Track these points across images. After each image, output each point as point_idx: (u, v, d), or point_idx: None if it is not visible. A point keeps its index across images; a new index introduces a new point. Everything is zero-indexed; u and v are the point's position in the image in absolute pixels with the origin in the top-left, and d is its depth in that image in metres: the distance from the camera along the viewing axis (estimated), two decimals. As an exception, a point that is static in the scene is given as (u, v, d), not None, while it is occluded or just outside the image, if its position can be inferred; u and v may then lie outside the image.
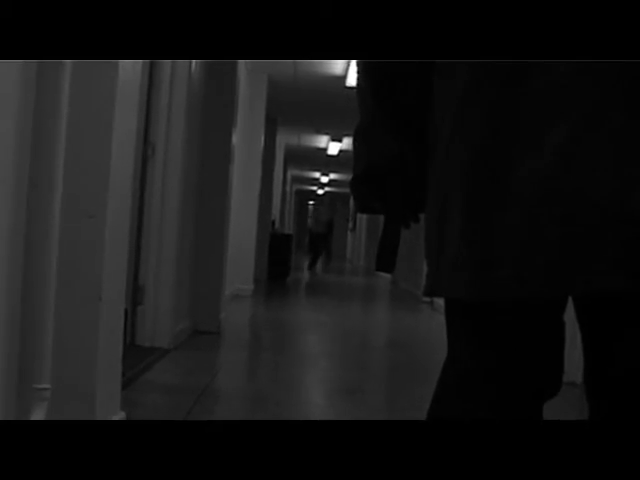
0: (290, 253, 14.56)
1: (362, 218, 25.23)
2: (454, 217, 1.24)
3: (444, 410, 1.33)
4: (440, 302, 7.41)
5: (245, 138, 9.60)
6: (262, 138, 10.50)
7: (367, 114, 1.42)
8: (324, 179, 25.55)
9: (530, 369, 1.29)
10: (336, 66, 9.16)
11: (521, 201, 1.17)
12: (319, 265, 21.72)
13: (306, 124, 14.39)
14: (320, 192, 32.52)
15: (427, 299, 10.03)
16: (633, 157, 1.12)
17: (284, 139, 15.92)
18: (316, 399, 4.27)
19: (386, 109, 1.39)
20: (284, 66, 9.49)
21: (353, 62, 7.99)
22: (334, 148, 15.97)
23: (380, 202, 1.46)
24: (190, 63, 5.43)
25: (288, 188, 23.80)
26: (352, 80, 8.44)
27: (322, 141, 16.18)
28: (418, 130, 1.38)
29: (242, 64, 7.42)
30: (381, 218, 1.54)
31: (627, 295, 1.20)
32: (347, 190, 17.96)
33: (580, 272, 1.14)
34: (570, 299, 1.31)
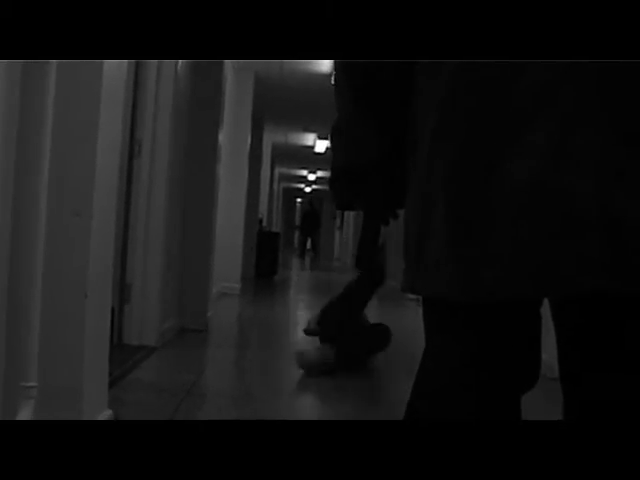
0: (278, 251, 14.55)
1: (349, 216, 25.22)
2: (436, 216, 1.24)
3: (422, 405, 1.34)
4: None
5: (232, 136, 9.58)
6: (249, 136, 10.49)
7: (345, 110, 1.41)
8: (311, 177, 25.54)
9: (508, 363, 1.30)
10: (323, 64, 9.17)
11: (504, 202, 1.17)
12: (307, 261, 21.67)
13: (293, 122, 14.38)
14: (307, 190, 32.54)
15: (414, 296, 10.03)
16: (615, 158, 1.13)
17: (271, 137, 15.91)
18: (303, 397, 4.28)
19: (364, 105, 1.38)
20: (270, 64, 9.48)
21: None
22: (321, 146, 15.96)
23: (358, 199, 1.46)
24: (176, 61, 5.42)
25: (275, 186, 23.78)
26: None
27: (309, 139, 16.17)
28: (397, 127, 1.37)
29: (229, 62, 7.42)
30: None
31: (609, 295, 1.21)
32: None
33: (563, 274, 1.14)
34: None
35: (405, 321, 8.97)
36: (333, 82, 1.43)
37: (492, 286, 1.19)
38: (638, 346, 1.24)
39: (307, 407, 4.16)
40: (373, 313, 10.33)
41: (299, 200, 39.28)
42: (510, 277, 1.17)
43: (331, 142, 1.46)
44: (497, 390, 1.30)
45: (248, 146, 10.49)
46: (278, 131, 15.39)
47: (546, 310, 1.33)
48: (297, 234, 36.31)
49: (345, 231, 28.08)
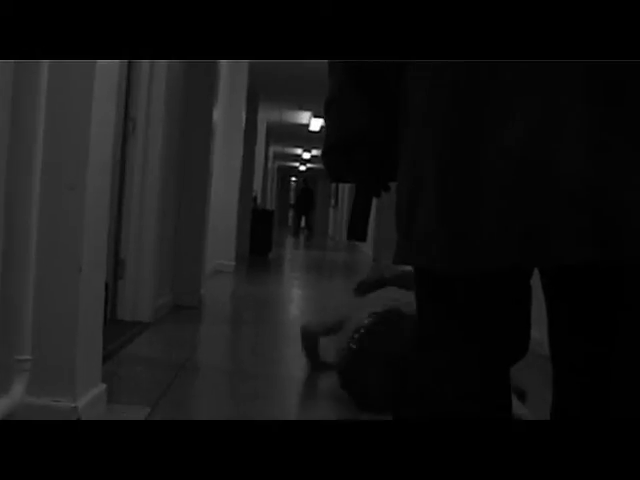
0: (272, 229, 14.56)
1: (344, 195, 25.24)
2: (427, 188, 1.25)
3: (414, 381, 1.36)
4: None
5: (227, 114, 9.57)
6: (244, 114, 10.48)
7: (338, 83, 1.42)
8: (306, 155, 25.52)
9: (498, 334, 1.32)
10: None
11: (492, 173, 1.18)
12: (301, 239, 21.68)
13: (288, 100, 14.36)
14: (302, 168, 32.52)
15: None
16: (602, 131, 1.14)
17: (266, 115, 15.88)
18: (296, 372, 4.30)
19: (357, 77, 1.39)
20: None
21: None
22: (316, 124, 15.95)
23: (351, 172, 1.47)
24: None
25: (270, 164, 23.75)
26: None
27: (304, 117, 16.15)
28: (389, 100, 1.38)
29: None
30: None
31: (593, 266, 1.23)
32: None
33: (551, 244, 1.15)
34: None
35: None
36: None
37: (480, 255, 1.20)
38: (626, 315, 1.26)
39: (300, 381, 4.19)
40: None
41: (293, 179, 39.27)
42: (497, 247, 1.18)
43: (324, 115, 1.47)
44: (487, 360, 1.32)
45: (243, 124, 10.48)
46: (273, 109, 15.36)
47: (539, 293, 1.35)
48: (291, 212, 36.32)
49: (339, 210, 28.10)
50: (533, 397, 3.24)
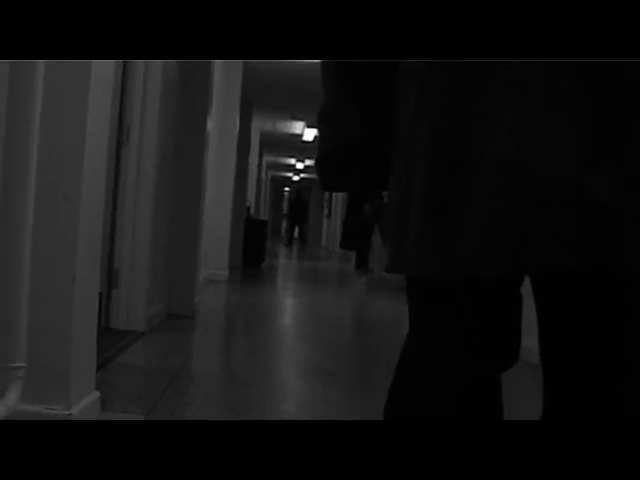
0: (265, 239, 14.57)
1: (337, 205, 25.24)
2: (416, 196, 1.26)
3: (406, 386, 1.37)
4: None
5: (220, 123, 9.59)
6: (237, 123, 10.49)
7: (331, 92, 1.44)
8: (299, 165, 25.53)
9: (490, 342, 1.33)
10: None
11: (480, 181, 1.19)
12: (294, 249, 21.69)
13: (281, 110, 14.38)
14: (295, 178, 32.52)
15: (401, 284, 10.07)
16: (591, 140, 1.15)
17: (259, 125, 15.90)
18: (289, 380, 4.31)
19: (350, 87, 1.41)
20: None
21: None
22: (309, 134, 15.96)
23: (343, 181, 1.49)
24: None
25: (263, 174, 23.77)
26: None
27: (297, 127, 16.17)
28: (382, 109, 1.40)
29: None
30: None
31: (580, 273, 1.25)
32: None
33: (538, 251, 1.16)
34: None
35: (394, 311, 9.02)
36: (321, 64, 1.46)
37: (467, 263, 1.21)
38: (611, 323, 1.28)
39: (293, 389, 4.20)
40: (360, 301, 10.40)
41: (287, 189, 39.25)
42: (485, 254, 1.19)
43: (317, 124, 1.48)
44: (478, 368, 1.34)
45: (236, 133, 10.49)
46: (266, 119, 15.38)
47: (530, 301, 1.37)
48: (285, 222, 36.30)
49: (333, 220, 28.08)
50: (525, 406, 3.25)
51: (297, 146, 19.13)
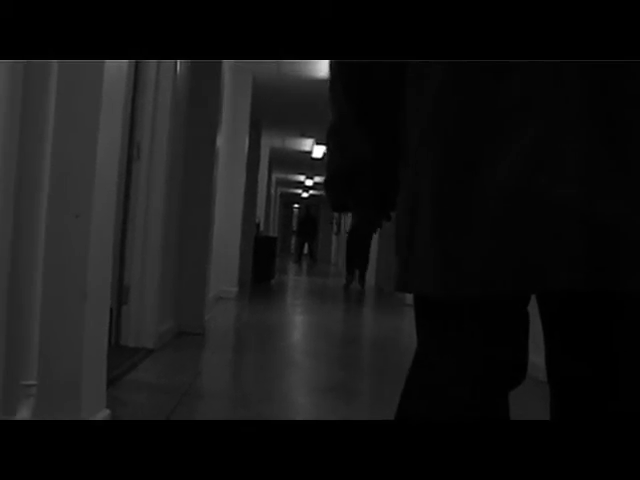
0: (275, 256, 14.57)
1: (347, 222, 25.27)
2: (424, 216, 1.26)
3: (413, 406, 1.37)
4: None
5: (230, 140, 9.62)
6: (247, 140, 10.52)
7: (339, 112, 1.44)
8: (309, 182, 25.58)
9: (498, 361, 1.33)
10: (320, 69, 9.21)
11: (487, 201, 1.19)
12: (303, 266, 21.70)
13: (291, 127, 14.42)
14: (305, 195, 32.57)
15: (410, 302, 10.05)
16: (599, 160, 1.15)
17: (269, 142, 15.94)
18: (299, 397, 4.30)
19: (358, 106, 1.41)
20: (268, 67, 9.52)
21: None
22: (318, 151, 16.00)
23: (352, 201, 1.49)
24: (175, 63, 5.46)
25: (273, 191, 23.81)
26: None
27: (307, 144, 16.22)
28: (390, 129, 1.40)
29: (226, 64, 7.45)
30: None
31: (587, 294, 1.25)
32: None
33: (544, 272, 1.16)
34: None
35: (403, 328, 9.01)
36: (329, 84, 1.46)
37: (473, 283, 1.21)
38: (619, 342, 1.28)
39: (303, 407, 4.19)
40: (370, 318, 10.39)
41: (296, 205, 39.33)
42: (490, 273, 1.19)
43: (327, 143, 1.49)
44: (486, 386, 1.33)
45: (246, 150, 10.52)
46: (276, 136, 15.43)
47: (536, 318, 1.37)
48: (294, 239, 36.34)
49: (342, 237, 28.09)
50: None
51: (306, 163, 19.17)
